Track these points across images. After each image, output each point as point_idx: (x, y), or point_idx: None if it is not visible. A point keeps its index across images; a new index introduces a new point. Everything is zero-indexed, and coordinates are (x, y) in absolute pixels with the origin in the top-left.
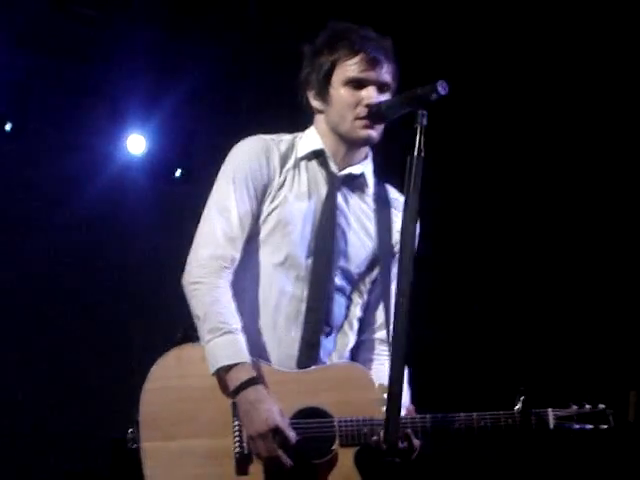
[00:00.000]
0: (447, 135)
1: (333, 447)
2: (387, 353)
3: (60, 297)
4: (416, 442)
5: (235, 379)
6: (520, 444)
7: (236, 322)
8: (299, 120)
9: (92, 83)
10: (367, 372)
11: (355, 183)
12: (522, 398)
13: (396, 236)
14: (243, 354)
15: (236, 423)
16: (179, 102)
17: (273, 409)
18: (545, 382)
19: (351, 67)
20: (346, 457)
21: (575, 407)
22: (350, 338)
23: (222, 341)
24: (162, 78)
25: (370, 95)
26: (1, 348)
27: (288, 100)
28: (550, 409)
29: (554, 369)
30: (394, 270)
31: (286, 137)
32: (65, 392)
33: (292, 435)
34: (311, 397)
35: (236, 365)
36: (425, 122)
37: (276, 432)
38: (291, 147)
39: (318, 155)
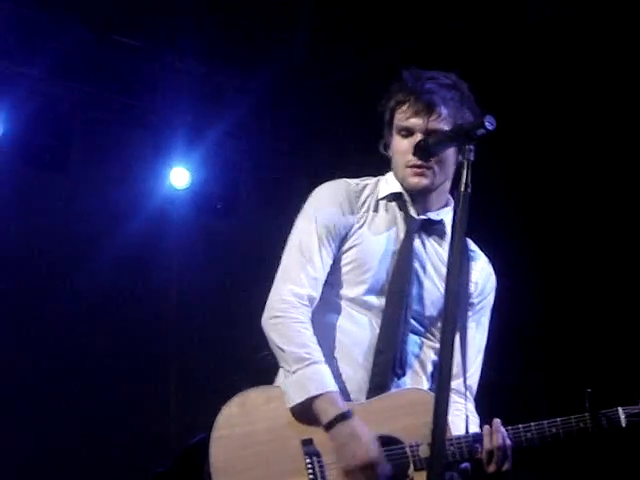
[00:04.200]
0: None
1: (409, 472)
2: (461, 403)
3: (104, 330)
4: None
5: (327, 410)
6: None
7: (320, 355)
8: (346, 152)
9: (136, 115)
10: (432, 395)
11: (434, 229)
12: (590, 400)
13: (473, 286)
14: (332, 384)
15: (308, 460)
16: (223, 135)
17: (368, 441)
18: (608, 381)
19: (401, 115)
20: None
21: None
22: (423, 380)
23: (310, 371)
24: (206, 110)
25: (413, 143)
26: (43, 377)
27: (334, 132)
28: (620, 407)
29: (615, 367)
30: (470, 319)
31: (370, 180)
32: (106, 427)
33: (388, 468)
34: (381, 425)
35: (325, 394)
36: (472, 157)
37: (372, 465)
38: (373, 189)
39: (397, 197)
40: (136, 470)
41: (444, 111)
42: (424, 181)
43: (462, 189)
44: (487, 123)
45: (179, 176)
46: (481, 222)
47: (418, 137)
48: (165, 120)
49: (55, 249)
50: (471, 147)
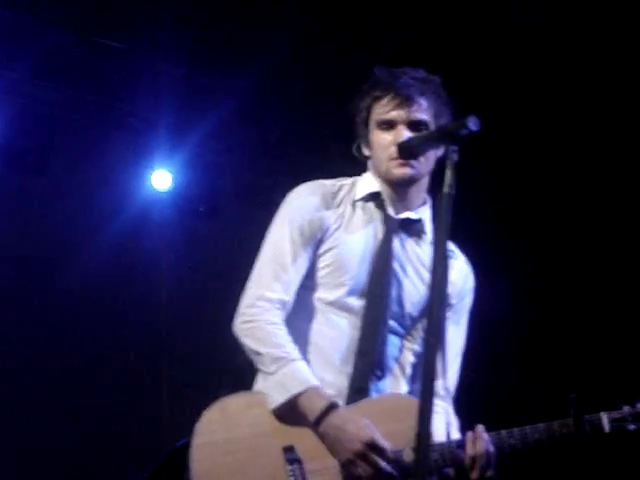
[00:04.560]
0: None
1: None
2: (441, 405)
3: (87, 332)
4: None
5: (312, 406)
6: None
7: (297, 352)
8: (329, 154)
9: (117, 117)
10: (413, 400)
11: (412, 228)
12: (574, 405)
13: (451, 287)
14: (314, 379)
15: (289, 468)
16: (205, 137)
17: (362, 424)
18: (591, 386)
19: (380, 109)
20: None
21: (627, 407)
22: (401, 383)
23: (289, 369)
24: (188, 112)
25: (398, 135)
26: (28, 379)
27: (316, 133)
28: (603, 413)
29: (598, 372)
30: (449, 320)
31: (346, 181)
32: (94, 428)
33: (387, 444)
34: None
35: (308, 390)
36: (455, 158)
37: (372, 446)
38: (349, 190)
39: (375, 197)
40: (124, 473)
41: (424, 102)
42: (409, 171)
43: (446, 190)
44: (470, 124)
45: (161, 178)
46: (464, 223)
47: (401, 129)
48: (147, 122)
49: (36, 252)
50: (454, 148)
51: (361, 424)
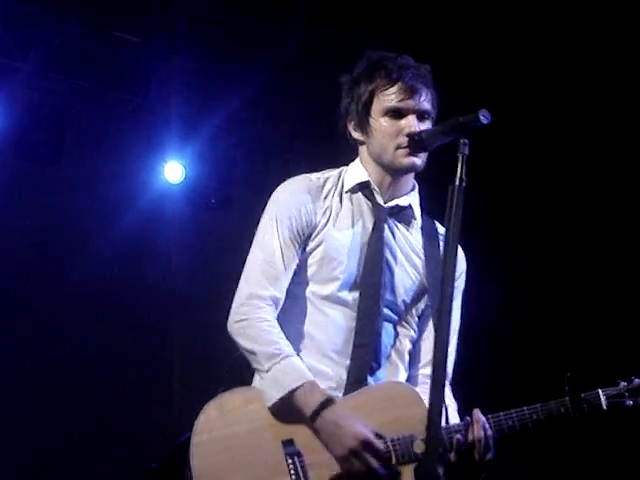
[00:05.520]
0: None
1: (392, 465)
2: None
3: (98, 325)
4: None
5: (308, 401)
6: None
7: (290, 349)
8: (340, 148)
9: (130, 110)
10: (409, 388)
11: (402, 215)
12: (570, 384)
13: None
14: (309, 374)
15: (289, 461)
16: (217, 129)
17: (358, 423)
18: (586, 363)
19: (389, 97)
20: (406, 474)
21: (624, 383)
22: (400, 370)
23: (284, 365)
24: (200, 105)
25: (410, 124)
26: (39, 373)
27: (328, 128)
28: (600, 390)
29: (593, 349)
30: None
31: (332, 173)
32: (103, 422)
33: (382, 446)
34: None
35: (303, 385)
36: (467, 151)
37: (366, 445)
38: (337, 182)
39: (364, 187)
40: (137, 463)
41: (428, 92)
42: (418, 162)
43: (457, 182)
44: (482, 117)
45: (173, 171)
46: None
47: (412, 118)
48: (159, 115)
49: (48, 244)
50: (466, 141)
51: (356, 422)
